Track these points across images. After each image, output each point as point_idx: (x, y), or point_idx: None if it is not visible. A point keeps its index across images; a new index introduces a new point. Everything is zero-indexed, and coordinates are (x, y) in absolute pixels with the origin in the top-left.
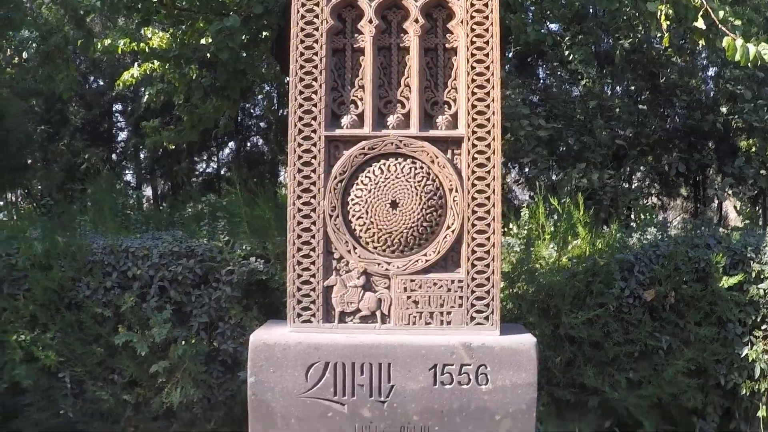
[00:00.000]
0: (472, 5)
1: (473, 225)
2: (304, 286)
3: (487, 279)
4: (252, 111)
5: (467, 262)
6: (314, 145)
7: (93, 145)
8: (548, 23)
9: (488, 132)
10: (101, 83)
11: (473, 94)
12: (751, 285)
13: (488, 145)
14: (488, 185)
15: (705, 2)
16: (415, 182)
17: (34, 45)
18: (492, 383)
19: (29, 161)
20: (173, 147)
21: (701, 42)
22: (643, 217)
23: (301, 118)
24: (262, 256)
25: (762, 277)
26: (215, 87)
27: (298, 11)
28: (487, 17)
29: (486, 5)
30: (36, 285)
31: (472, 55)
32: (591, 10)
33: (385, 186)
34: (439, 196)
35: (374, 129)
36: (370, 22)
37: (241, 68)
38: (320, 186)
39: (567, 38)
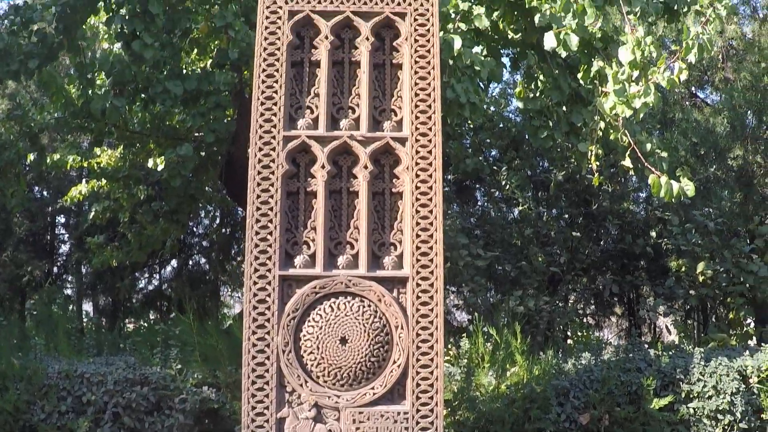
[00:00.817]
0: (417, 152)
1: (417, 360)
2: (258, 417)
3: (431, 410)
4: (195, 229)
5: (412, 395)
6: (269, 283)
7: (36, 257)
8: (485, 151)
9: (431, 272)
10: (46, 194)
11: (417, 236)
12: (681, 405)
13: (431, 284)
14: (431, 322)
15: (632, 142)
16: (363, 320)
17: None
18: None
19: None
20: (115, 264)
21: (630, 171)
22: (579, 335)
23: (257, 258)
24: (213, 385)
25: (691, 396)
26: (164, 211)
27: (256, 155)
28: (430, 163)
29: (430, 152)
30: None
31: (417, 199)
32: (527, 136)
33: (335, 323)
34: (386, 332)
35: (325, 269)
36: (323, 167)
37: (191, 193)
38: (274, 322)
39: (504, 165)
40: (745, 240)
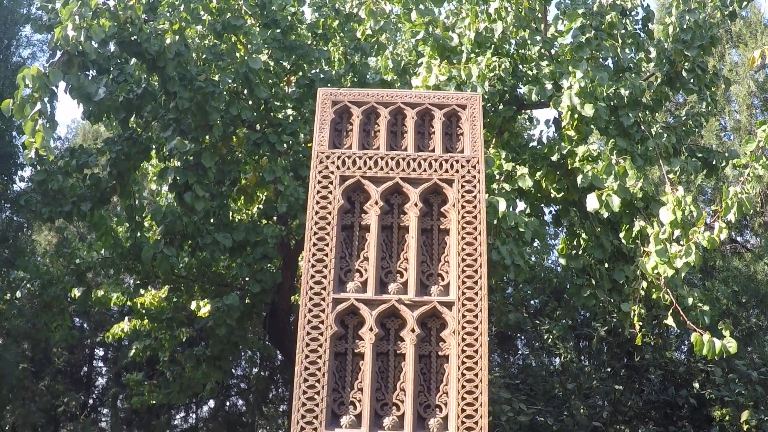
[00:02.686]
0: (464, 316)
1: None
2: None
3: None
4: (234, 371)
5: None
6: None
7: (72, 388)
8: (526, 304)
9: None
10: (86, 327)
11: (463, 399)
12: None
13: None
14: None
15: (674, 300)
16: None
17: (28, 285)
18: None
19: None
20: (143, 407)
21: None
22: None
23: (303, 416)
24: None
25: None
26: (207, 356)
27: (305, 316)
28: (476, 327)
29: (476, 316)
30: None
31: (463, 362)
32: (567, 287)
33: None
34: None
35: (371, 429)
36: (371, 330)
37: (234, 341)
38: None
39: (545, 317)
40: None
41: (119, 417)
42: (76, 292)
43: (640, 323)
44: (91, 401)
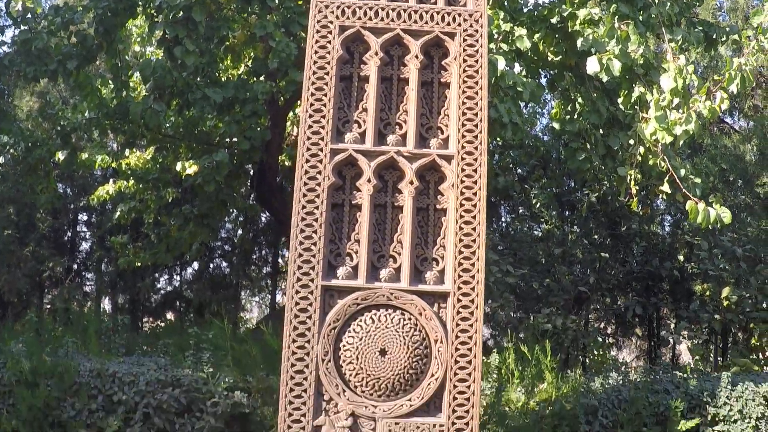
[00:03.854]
0: (463, 170)
1: (455, 374)
2: (294, 424)
3: (466, 424)
4: (218, 233)
5: (449, 408)
6: (311, 293)
7: (57, 253)
8: (516, 170)
9: (473, 288)
10: (69, 192)
11: (460, 252)
12: (706, 427)
13: (472, 300)
14: (470, 337)
15: (670, 167)
16: (403, 332)
17: (11, 151)
18: None
19: None
20: (130, 268)
21: (660, 196)
22: (596, 353)
23: (300, 267)
24: (245, 390)
25: (717, 419)
26: (195, 215)
27: (302, 167)
28: (475, 182)
29: (475, 171)
30: (21, 402)
31: (461, 216)
32: (554, 155)
33: (375, 335)
34: (425, 346)
35: (368, 281)
36: (369, 181)
37: (222, 198)
38: (315, 332)
39: (532, 183)
40: None
41: (104, 280)
42: (60, 156)
43: (637, 187)
44: (75, 266)
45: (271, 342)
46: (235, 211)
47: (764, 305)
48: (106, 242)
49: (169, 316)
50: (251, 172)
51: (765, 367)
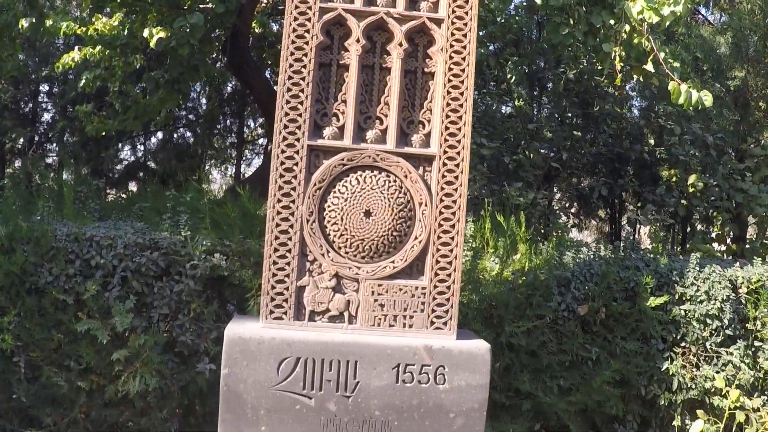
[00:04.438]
0: (453, 35)
1: (439, 237)
2: (278, 284)
3: (448, 287)
4: (181, 103)
5: (431, 271)
6: (297, 152)
7: (19, 124)
8: (489, 45)
9: (458, 153)
10: (30, 63)
11: (447, 116)
12: (674, 306)
13: (457, 165)
14: (455, 201)
15: (654, 48)
16: (388, 194)
17: None
18: (449, 383)
19: None
20: (99, 135)
21: (639, 77)
22: (556, 234)
23: (286, 126)
24: (223, 253)
25: (684, 299)
26: (166, 80)
27: (291, 24)
28: (465, 47)
29: (464, 36)
30: None
31: (449, 81)
32: (526, 34)
33: (360, 196)
34: (409, 208)
35: (354, 142)
36: (357, 41)
37: (194, 63)
38: (300, 192)
39: (503, 60)
40: (736, 159)
41: (67, 151)
42: (25, 22)
43: (621, 64)
44: (37, 137)
45: (249, 206)
46: (203, 79)
47: (729, 195)
48: (68, 112)
49: (132, 186)
50: (223, 38)
51: (726, 255)
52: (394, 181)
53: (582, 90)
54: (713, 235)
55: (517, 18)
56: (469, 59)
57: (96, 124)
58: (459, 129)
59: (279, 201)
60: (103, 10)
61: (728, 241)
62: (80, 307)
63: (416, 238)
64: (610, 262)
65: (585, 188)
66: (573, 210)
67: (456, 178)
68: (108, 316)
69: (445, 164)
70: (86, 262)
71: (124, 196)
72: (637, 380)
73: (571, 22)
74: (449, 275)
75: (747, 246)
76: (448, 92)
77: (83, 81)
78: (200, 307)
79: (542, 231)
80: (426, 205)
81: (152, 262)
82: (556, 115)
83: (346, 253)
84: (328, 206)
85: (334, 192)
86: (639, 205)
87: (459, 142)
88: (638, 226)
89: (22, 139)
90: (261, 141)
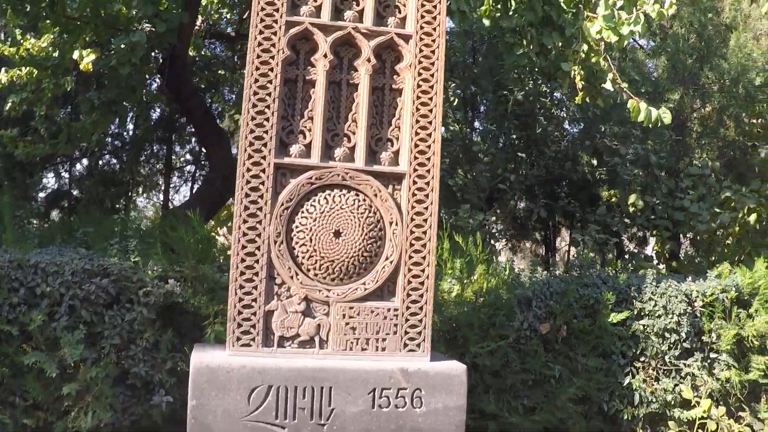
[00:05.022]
0: (420, 51)
1: (410, 257)
2: (245, 310)
3: (420, 308)
4: (110, 127)
5: (403, 292)
6: (263, 171)
7: None
8: None
9: (428, 170)
10: None
11: (417, 134)
12: (633, 321)
13: (427, 183)
14: (425, 220)
15: (612, 67)
16: (358, 214)
17: None
18: (426, 406)
19: None
20: (29, 160)
21: (591, 97)
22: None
23: (251, 144)
24: (177, 279)
25: (642, 314)
26: (102, 102)
27: (256, 38)
28: (433, 63)
29: (433, 52)
30: None
31: (418, 97)
32: (461, 59)
33: (330, 215)
34: (380, 228)
35: (322, 160)
36: (325, 56)
37: (132, 84)
38: (266, 212)
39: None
40: (674, 178)
41: None
42: None
43: (583, 83)
44: None
45: (200, 229)
46: (139, 101)
47: (667, 214)
48: None
49: (53, 215)
50: (160, 59)
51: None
52: (364, 200)
53: (524, 112)
54: (651, 253)
55: (452, 43)
56: (437, 76)
57: (24, 148)
58: (428, 147)
59: (245, 221)
60: (35, 30)
61: (666, 257)
62: (25, 339)
63: (387, 258)
64: (569, 281)
65: (520, 211)
66: (510, 232)
67: (426, 196)
68: (56, 347)
69: (415, 182)
70: (31, 291)
71: (47, 225)
72: (599, 396)
73: (524, 42)
74: (421, 296)
75: (685, 263)
76: (417, 109)
77: (9, 104)
78: (154, 336)
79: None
80: (397, 224)
81: (102, 290)
82: (500, 138)
83: (316, 275)
84: (297, 227)
85: (302, 212)
86: (578, 225)
87: (429, 159)
88: (569, 247)
89: None
90: (189, 168)
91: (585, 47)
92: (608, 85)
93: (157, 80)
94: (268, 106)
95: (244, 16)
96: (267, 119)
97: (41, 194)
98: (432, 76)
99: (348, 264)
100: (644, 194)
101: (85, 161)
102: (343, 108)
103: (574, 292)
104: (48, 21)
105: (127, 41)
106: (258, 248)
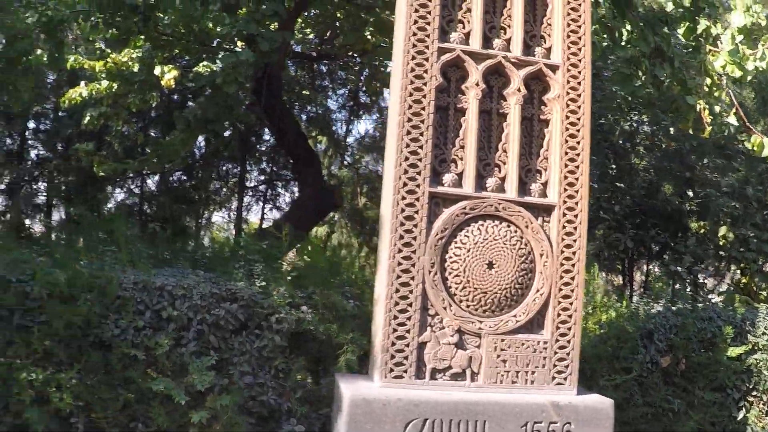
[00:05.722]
0: (568, 82)
1: (560, 290)
2: (398, 341)
3: (569, 341)
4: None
5: (552, 324)
6: (417, 199)
7: (8, 159)
8: None
9: (577, 203)
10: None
11: (565, 165)
12: (748, 355)
13: (576, 216)
14: (574, 253)
15: (735, 101)
16: (510, 245)
17: None
18: None
19: None
20: (102, 174)
21: (694, 130)
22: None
23: (406, 171)
24: (308, 305)
25: (756, 348)
26: (198, 119)
27: (408, 63)
28: (579, 95)
29: (579, 84)
30: (56, 318)
31: (566, 129)
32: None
33: (483, 246)
34: (530, 260)
35: (475, 190)
36: (477, 85)
37: (230, 104)
38: (421, 241)
39: None
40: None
41: (59, 191)
42: (41, 52)
43: (711, 117)
44: (26, 176)
45: (331, 255)
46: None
47: (758, 247)
48: (59, 151)
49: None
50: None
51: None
52: (516, 231)
53: (621, 143)
54: (739, 285)
55: None
56: (584, 108)
57: (108, 164)
58: (577, 179)
59: (399, 251)
60: (126, 45)
61: (741, 289)
62: (149, 363)
63: (538, 290)
64: (687, 315)
65: (612, 240)
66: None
67: (575, 228)
68: (182, 373)
69: (564, 214)
70: (156, 314)
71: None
72: (712, 430)
73: (639, 73)
74: (569, 329)
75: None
76: (566, 141)
77: (87, 118)
78: (283, 363)
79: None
80: (547, 257)
81: (231, 315)
82: (596, 169)
83: (468, 306)
84: (450, 257)
85: (456, 242)
86: (665, 256)
87: (577, 192)
88: (646, 278)
89: (14, 175)
90: (261, 187)
91: (708, 81)
92: (732, 119)
93: (245, 99)
94: (421, 134)
95: (325, 37)
96: (421, 147)
97: (105, 207)
98: (579, 107)
99: (500, 296)
100: (735, 226)
101: (156, 177)
102: (494, 137)
103: (692, 325)
104: (141, 36)
105: (234, 59)
106: (412, 278)
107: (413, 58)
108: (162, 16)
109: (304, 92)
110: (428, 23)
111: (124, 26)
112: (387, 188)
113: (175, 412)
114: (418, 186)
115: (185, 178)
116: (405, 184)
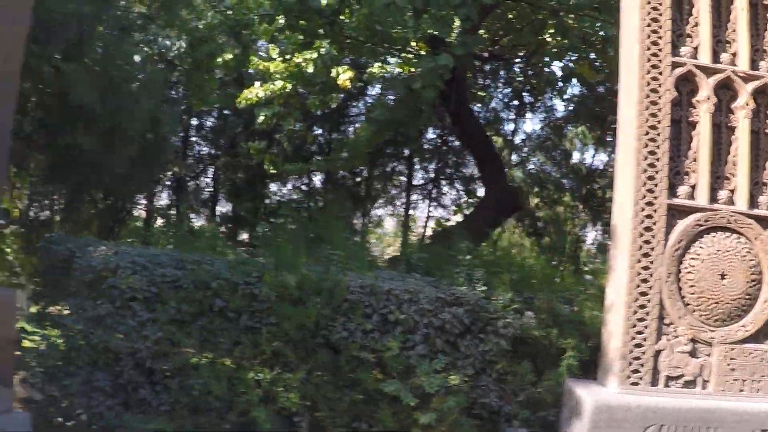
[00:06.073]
0: None
1: None
2: (636, 349)
3: None
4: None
5: None
6: (655, 211)
7: (178, 157)
8: None
9: None
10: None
11: None
12: None
13: None
14: None
15: None
16: (740, 257)
17: (180, 45)
18: None
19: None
20: (274, 171)
21: None
22: None
23: (644, 184)
24: (530, 310)
25: None
26: (389, 122)
27: (643, 77)
28: None
29: None
30: (286, 320)
31: None
32: None
33: (716, 258)
34: (759, 271)
35: (709, 202)
36: (708, 98)
37: (420, 108)
38: (659, 252)
39: None
40: None
41: (225, 187)
42: (228, 56)
43: None
44: (192, 173)
45: (538, 262)
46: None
47: None
48: (224, 148)
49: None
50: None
51: None
52: (746, 243)
53: None
54: None
55: None
56: None
57: (289, 164)
58: None
59: (638, 261)
60: (310, 47)
61: None
62: (375, 365)
63: (765, 301)
64: None
65: None
66: None
67: None
68: (408, 375)
69: None
70: (383, 317)
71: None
72: None
73: None
74: None
75: None
76: None
77: (262, 117)
78: (506, 367)
79: None
80: None
81: (457, 319)
82: None
83: (700, 316)
84: (685, 268)
85: (690, 253)
86: None
87: None
88: None
89: (184, 172)
90: (428, 186)
91: None
92: None
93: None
94: (658, 147)
95: (496, 38)
96: (657, 159)
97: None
98: None
99: (731, 306)
100: None
101: (320, 175)
102: (723, 150)
103: None
104: (328, 39)
105: (433, 64)
106: (650, 288)
107: (648, 72)
108: (345, 19)
109: (479, 93)
110: (660, 37)
111: (309, 29)
112: (621, 198)
113: (401, 412)
114: (655, 198)
115: (348, 174)
116: (644, 196)
